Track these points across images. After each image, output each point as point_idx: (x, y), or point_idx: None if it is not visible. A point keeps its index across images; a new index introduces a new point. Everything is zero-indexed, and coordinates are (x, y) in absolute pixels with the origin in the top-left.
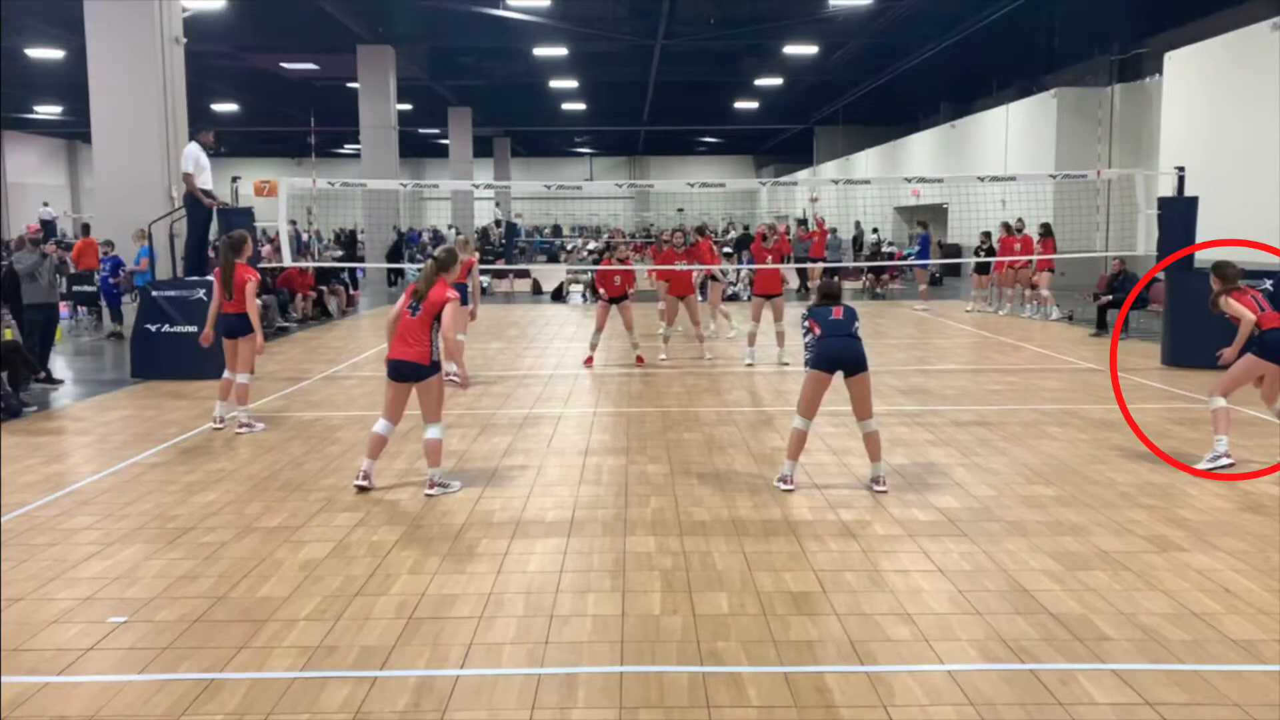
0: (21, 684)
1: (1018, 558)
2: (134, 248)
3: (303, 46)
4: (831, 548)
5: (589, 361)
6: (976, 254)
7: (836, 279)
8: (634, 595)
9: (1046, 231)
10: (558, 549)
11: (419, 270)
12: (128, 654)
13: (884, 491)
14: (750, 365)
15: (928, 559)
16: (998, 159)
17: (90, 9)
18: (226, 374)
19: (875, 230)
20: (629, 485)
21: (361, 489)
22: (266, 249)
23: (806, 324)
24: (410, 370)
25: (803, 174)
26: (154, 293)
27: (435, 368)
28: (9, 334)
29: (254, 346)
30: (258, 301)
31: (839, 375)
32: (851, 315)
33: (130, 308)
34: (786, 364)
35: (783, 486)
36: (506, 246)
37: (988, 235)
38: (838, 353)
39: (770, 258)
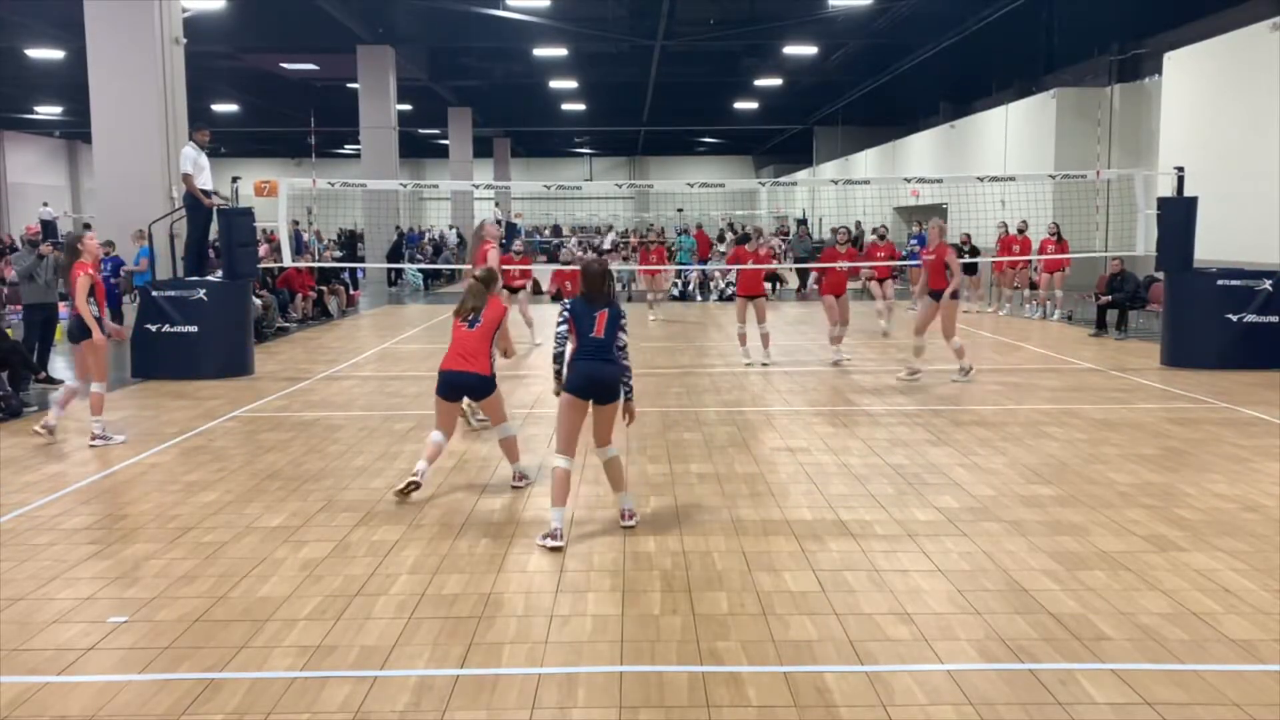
0: (21, 684)
1: (1017, 558)
2: (134, 248)
3: (303, 46)
4: (831, 548)
5: None
6: (960, 255)
7: (605, 259)
8: (634, 595)
9: (1059, 235)
10: (557, 549)
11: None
12: (128, 654)
13: (631, 526)
14: (749, 365)
15: (927, 559)
16: (997, 159)
17: (90, 9)
18: (71, 382)
19: (875, 230)
20: (629, 485)
21: (411, 488)
22: (265, 249)
23: (565, 316)
24: (465, 382)
25: (802, 174)
26: (154, 293)
27: (494, 381)
28: (9, 333)
29: (97, 352)
30: (90, 303)
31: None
32: (613, 329)
33: (130, 308)
34: (766, 364)
35: (549, 544)
36: (506, 246)
37: (969, 237)
38: (593, 377)
39: (753, 260)
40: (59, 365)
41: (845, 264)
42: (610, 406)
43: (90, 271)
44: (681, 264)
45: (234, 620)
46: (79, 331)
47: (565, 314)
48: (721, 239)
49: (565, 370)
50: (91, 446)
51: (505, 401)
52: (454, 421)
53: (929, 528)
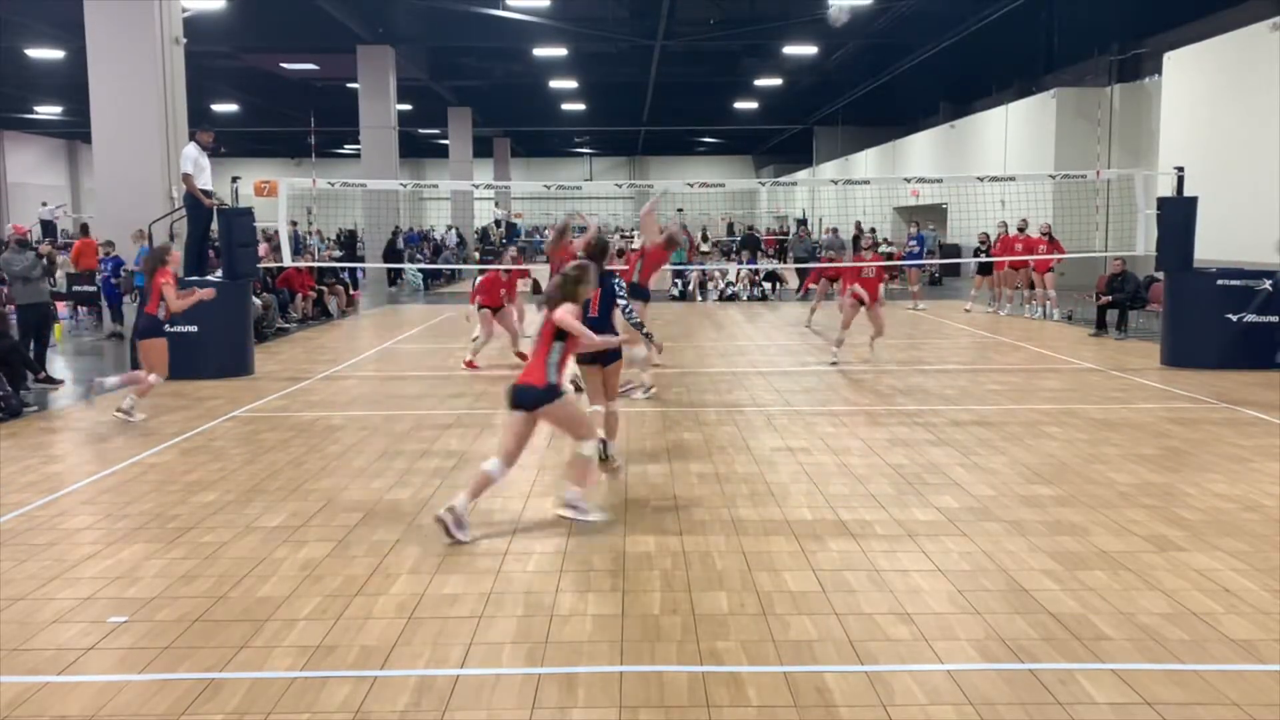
0: (21, 684)
1: (1017, 557)
2: (134, 248)
3: (303, 46)
4: (831, 548)
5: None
6: (976, 254)
7: (603, 238)
8: (634, 595)
9: (1050, 235)
10: (558, 549)
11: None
12: (128, 654)
13: (615, 467)
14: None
15: (927, 559)
16: (997, 159)
17: (90, 9)
18: (139, 372)
19: (873, 230)
20: (629, 485)
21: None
22: (264, 247)
23: None
24: (519, 396)
25: (802, 174)
26: None
27: (552, 392)
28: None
29: (159, 350)
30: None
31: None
32: (608, 303)
33: (130, 308)
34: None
35: (605, 469)
36: (507, 247)
37: (986, 236)
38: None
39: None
40: (59, 365)
41: (847, 264)
42: (612, 367)
43: (170, 279)
44: (677, 263)
45: (234, 620)
46: (148, 330)
47: None
48: (705, 239)
49: None
50: (116, 413)
51: (582, 416)
52: (518, 446)
53: (929, 528)
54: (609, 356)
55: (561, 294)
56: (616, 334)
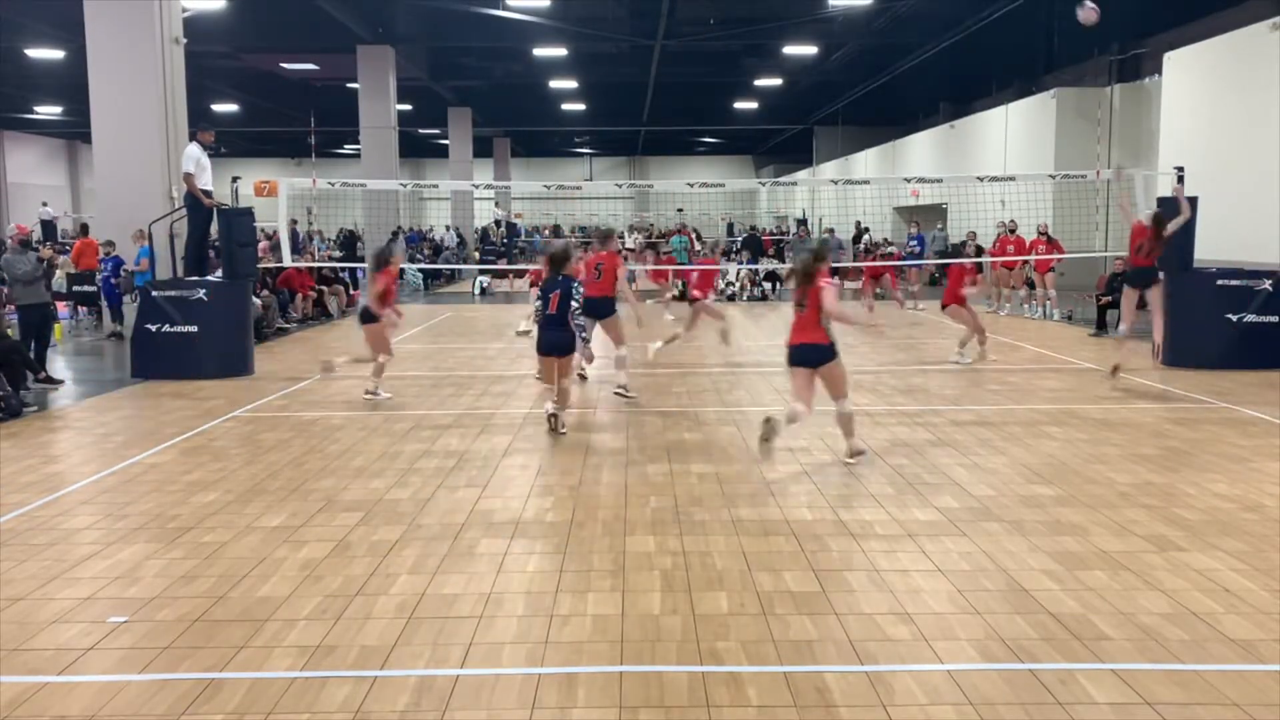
0: (21, 684)
1: (1017, 557)
2: (134, 248)
3: (303, 46)
4: (831, 548)
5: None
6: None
7: (567, 243)
8: (634, 595)
9: (1048, 235)
10: (558, 549)
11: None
12: (128, 654)
13: (563, 430)
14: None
15: (927, 559)
16: (997, 159)
17: (90, 9)
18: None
19: (867, 230)
20: (629, 485)
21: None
22: (264, 245)
23: (539, 294)
24: (806, 354)
25: (802, 174)
26: (154, 293)
27: (832, 350)
28: (11, 333)
29: (379, 333)
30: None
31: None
32: (565, 303)
33: (131, 308)
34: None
35: (551, 424)
36: (507, 246)
37: (973, 234)
38: (547, 342)
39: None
40: (59, 365)
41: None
42: (563, 360)
43: (387, 278)
44: (680, 263)
45: (234, 620)
46: (367, 315)
47: (540, 292)
48: (699, 238)
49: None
50: (365, 396)
51: (848, 376)
52: (810, 391)
53: (929, 528)
54: (565, 349)
55: (815, 268)
56: (573, 335)
